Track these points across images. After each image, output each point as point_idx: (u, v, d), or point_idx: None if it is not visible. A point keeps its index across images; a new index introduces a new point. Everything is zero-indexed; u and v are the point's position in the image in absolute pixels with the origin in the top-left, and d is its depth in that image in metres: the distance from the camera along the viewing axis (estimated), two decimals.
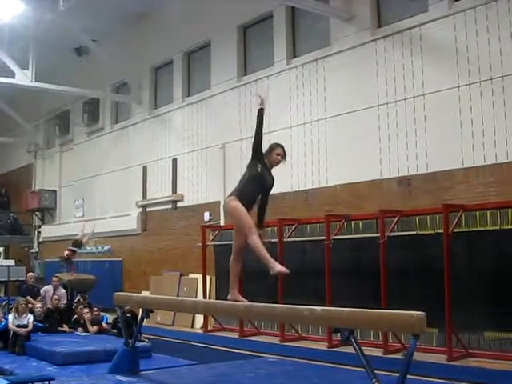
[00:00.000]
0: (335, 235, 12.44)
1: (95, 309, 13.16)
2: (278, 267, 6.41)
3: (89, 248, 21.98)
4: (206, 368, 9.73)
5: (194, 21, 17.87)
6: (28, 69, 18.57)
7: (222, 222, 16.31)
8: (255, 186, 6.90)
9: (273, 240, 13.82)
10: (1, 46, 18.98)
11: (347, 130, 13.58)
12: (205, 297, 15.24)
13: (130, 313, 11.82)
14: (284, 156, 7.08)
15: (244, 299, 7.15)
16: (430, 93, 12.17)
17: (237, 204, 6.75)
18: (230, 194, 6.94)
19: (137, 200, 20.01)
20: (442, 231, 10.68)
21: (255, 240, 6.53)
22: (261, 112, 6.98)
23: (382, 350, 11.18)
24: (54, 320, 12.99)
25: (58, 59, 22.25)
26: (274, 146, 7.09)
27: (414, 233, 11.45)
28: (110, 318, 13.45)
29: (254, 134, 6.94)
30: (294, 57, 15.33)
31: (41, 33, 18.80)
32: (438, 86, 12.00)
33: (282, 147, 7.12)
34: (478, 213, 10.66)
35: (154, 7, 19.22)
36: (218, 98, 17.26)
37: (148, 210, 19.71)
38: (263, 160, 6.97)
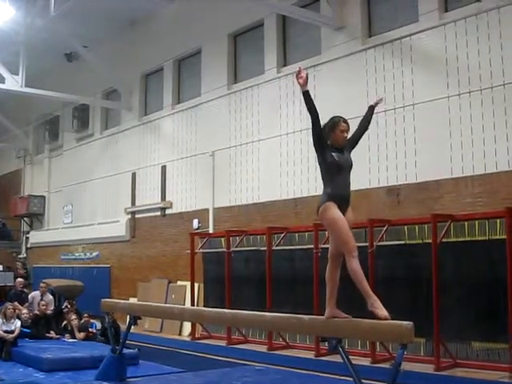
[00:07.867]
0: (324, 244, 12.41)
1: (85, 315, 13.09)
2: (383, 312, 5.66)
3: (77, 254, 22.00)
4: (194, 376, 9.72)
5: (185, 28, 17.89)
6: (18, 74, 18.47)
7: (210, 230, 16.29)
8: (339, 175, 6.19)
9: (261, 248, 13.85)
10: None
11: None
12: (193, 304, 15.19)
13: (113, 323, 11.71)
14: (348, 129, 6.38)
15: (345, 314, 6.13)
16: (419, 103, 12.20)
17: (336, 216, 6.00)
18: (325, 200, 6.12)
19: (125, 206, 19.94)
20: (430, 241, 10.69)
21: (355, 266, 5.80)
22: (306, 95, 6.29)
23: (369, 359, 11.15)
24: (42, 326, 12.92)
25: (48, 65, 22.24)
26: (337, 121, 6.41)
27: (403, 242, 11.45)
28: (99, 324, 13.40)
29: (311, 125, 6.36)
30: (285, 65, 15.33)
31: (31, 38, 18.72)
32: (428, 95, 12.03)
33: (345, 120, 6.43)
34: (466, 223, 10.67)
35: (145, 14, 19.19)
36: (208, 106, 17.25)
37: (137, 216, 19.64)
38: (326, 145, 6.26)
